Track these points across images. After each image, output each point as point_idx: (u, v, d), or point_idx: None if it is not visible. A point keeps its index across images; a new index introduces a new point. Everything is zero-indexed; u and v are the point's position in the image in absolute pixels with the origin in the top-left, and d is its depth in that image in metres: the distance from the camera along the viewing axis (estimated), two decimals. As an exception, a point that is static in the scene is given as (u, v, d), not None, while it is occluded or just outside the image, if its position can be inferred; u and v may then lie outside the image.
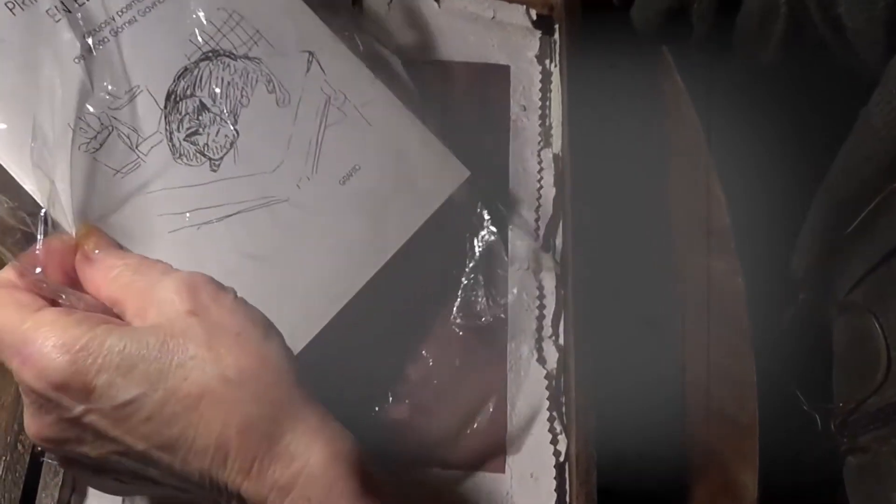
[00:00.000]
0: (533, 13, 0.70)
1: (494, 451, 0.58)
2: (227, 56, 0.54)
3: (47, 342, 0.42)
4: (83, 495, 0.55)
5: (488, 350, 0.60)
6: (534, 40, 0.69)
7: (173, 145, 0.52)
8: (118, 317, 0.46)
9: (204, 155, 0.52)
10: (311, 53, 0.56)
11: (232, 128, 0.53)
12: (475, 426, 0.58)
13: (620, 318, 0.63)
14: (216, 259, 0.51)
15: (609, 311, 0.61)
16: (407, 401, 0.59)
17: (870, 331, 0.66)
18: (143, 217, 0.50)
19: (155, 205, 0.51)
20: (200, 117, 0.53)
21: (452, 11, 0.69)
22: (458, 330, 0.60)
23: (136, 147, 0.51)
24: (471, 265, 0.60)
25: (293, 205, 0.54)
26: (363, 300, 0.55)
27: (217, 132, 0.53)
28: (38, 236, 0.47)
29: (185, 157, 0.52)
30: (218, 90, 0.53)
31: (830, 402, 0.71)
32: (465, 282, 0.60)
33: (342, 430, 0.45)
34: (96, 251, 0.48)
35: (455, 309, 0.60)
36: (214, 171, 0.52)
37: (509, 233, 0.63)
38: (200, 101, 0.53)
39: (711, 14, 0.71)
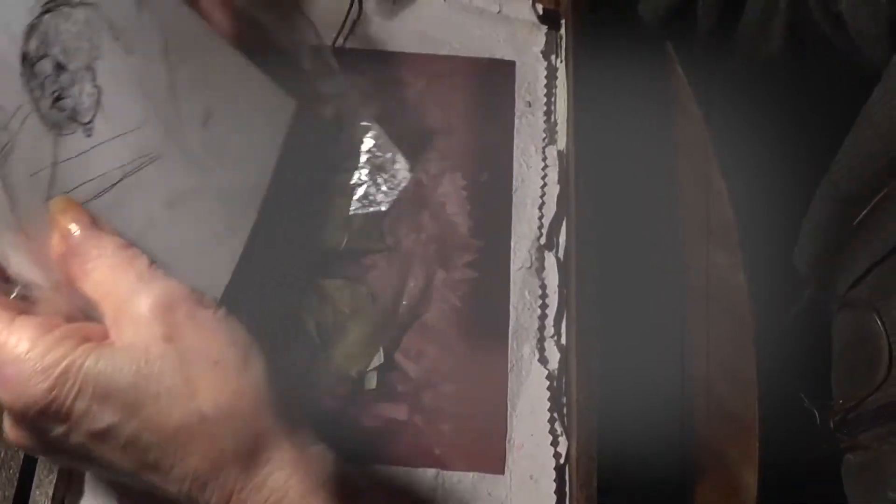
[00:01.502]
0: (539, 8, 0.69)
1: (493, 452, 0.58)
2: (65, 4, 0.49)
3: (26, 366, 0.41)
4: (78, 493, 0.55)
5: (482, 340, 0.61)
6: (540, 35, 0.68)
7: (42, 116, 0.47)
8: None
9: (75, 121, 0.48)
10: None
11: (92, 85, 0.49)
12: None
13: (622, 317, 0.63)
14: (117, 230, 0.48)
15: (611, 310, 0.61)
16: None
17: (871, 327, 0.66)
18: (33, 204, 0.46)
19: (42, 187, 0.47)
20: (60, 78, 0.48)
21: (458, 5, 0.69)
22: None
23: (7, 126, 0.46)
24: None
25: (172, 156, 0.51)
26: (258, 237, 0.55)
27: (80, 93, 0.49)
28: None
29: (58, 126, 0.48)
30: (68, 45, 0.49)
31: (831, 399, 0.70)
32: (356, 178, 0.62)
33: (323, 454, 0.45)
34: (76, 231, 0.45)
35: (355, 199, 0.62)
36: (89, 136, 0.49)
37: (512, 230, 0.63)
38: (56, 59, 0.48)
39: (718, 8, 0.70)
